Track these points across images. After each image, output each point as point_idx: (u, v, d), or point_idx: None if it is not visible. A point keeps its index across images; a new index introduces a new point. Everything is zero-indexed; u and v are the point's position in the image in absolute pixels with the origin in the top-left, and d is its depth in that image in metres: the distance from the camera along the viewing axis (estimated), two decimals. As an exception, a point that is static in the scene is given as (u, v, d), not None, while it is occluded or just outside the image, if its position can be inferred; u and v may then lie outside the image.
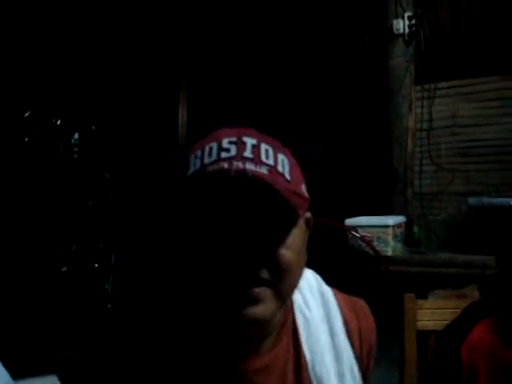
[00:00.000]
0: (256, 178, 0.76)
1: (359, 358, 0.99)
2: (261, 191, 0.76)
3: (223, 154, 0.79)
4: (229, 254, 0.77)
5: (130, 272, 3.68)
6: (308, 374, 0.93)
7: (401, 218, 3.03)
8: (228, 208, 0.78)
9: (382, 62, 3.43)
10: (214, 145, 0.81)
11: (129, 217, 3.90)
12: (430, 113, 3.42)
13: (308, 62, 3.99)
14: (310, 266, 0.97)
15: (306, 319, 0.96)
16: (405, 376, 2.14)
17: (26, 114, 3.51)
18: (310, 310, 0.98)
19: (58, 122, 3.60)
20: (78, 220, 3.62)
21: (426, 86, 3.42)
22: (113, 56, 3.96)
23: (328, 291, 1.02)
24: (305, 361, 0.93)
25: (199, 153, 0.82)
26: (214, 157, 0.79)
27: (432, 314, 2.22)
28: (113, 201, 3.82)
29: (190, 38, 4.27)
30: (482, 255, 2.59)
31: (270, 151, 0.81)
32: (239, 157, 0.78)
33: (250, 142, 0.81)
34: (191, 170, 0.81)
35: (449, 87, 3.43)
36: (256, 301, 0.78)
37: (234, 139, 0.81)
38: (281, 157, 0.82)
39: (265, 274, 0.78)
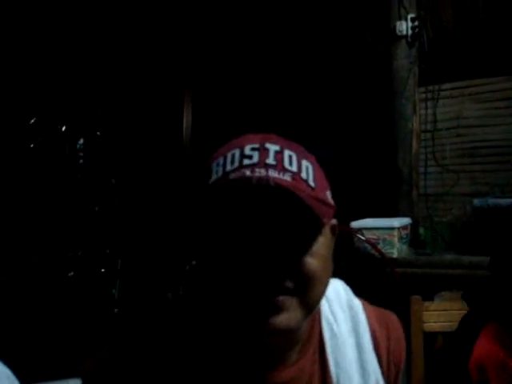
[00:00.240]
0: (278, 186, 0.75)
1: (386, 374, 0.96)
2: (284, 199, 0.75)
3: (245, 161, 0.78)
4: (253, 263, 0.76)
5: (138, 277, 3.69)
6: None
7: (406, 220, 3.03)
8: (251, 216, 0.76)
9: (386, 64, 3.43)
10: (237, 151, 0.80)
11: (135, 222, 3.91)
12: (435, 114, 3.42)
13: (312, 64, 4.00)
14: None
15: (333, 332, 0.94)
16: (412, 377, 2.14)
17: (32, 121, 3.53)
18: (337, 323, 0.95)
19: (64, 128, 3.61)
20: (84, 225, 3.63)
21: (430, 88, 3.42)
22: (118, 61, 3.98)
23: (358, 305, 0.99)
24: (330, 376, 0.91)
25: (221, 160, 0.81)
26: (236, 164, 0.78)
27: (439, 315, 2.22)
28: (119, 206, 3.83)
29: (194, 44, 4.28)
30: (487, 256, 2.58)
31: (294, 157, 0.80)
32: (262, 164, 0.77)
33: (273, 148, 0.80)
34: (213, 177, 0.79)
35: (453, 88, 3.43)
36: (280, 309, 0.76)
37: (256, 146, 0.80)
38: (305, 163, 0.81)
39: (289, 283, 0.77)
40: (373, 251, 2.71)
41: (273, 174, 0.76)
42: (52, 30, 3.60)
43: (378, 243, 2.75)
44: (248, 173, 0.76)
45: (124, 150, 3.98)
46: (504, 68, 3.25)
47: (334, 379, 0.91)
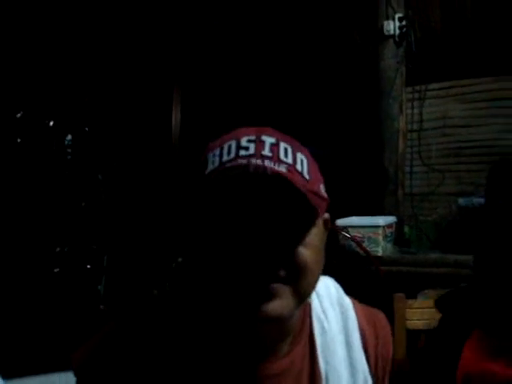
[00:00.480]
0: (275, 175, 0.76)
1: (374, 373, 0.98)
2: (280, 188, 0.77)
3: (242, 152, 0.79)
4: (247, 251, 0.77)
5: (124, 273, 3.68)
6: None
7: (391, 219, 3.04)
8: (247, 205, 0.78)
9: (373, 64, 3.45)
10: (233, 143, 0.82)
11: (121, 218, 3.90)
12: (421, 114, 3.44)
13: (299, 63, 4.00)
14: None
15: (323, 329, 0.95)
16: (395, 374, 2.15)
17: (19, 115, 3.51)
18: (328, 320, 0.96)
19: (51, 123, 3.60)
20: (70, 221, 3.61)
21: (417, 88, 3.44)
22: (106, 57, 3.96)
23: (348, 303, 1.00)
24: (319, 371, 0.92)
25: (218, 151, 0.82)
26: (233, 155, 0.80)
27: (422, 313, 2.24)
28: (105, 202, 3.82)
29: (183, 40, 4.28)
30: (472, 255, 2.60)
31: (289, 150, 0.82)
32: (258, 155, 0.79)
33: (268, 140, 0.82)
34: (209, 167, 0.81)
35: (439, 88, 3.45)
36: (273, 296, 0.78)
37: (252, 137, 0.82)
38: (300, 156, 0.82)
39: (283, 272, 0.78)
40: (358, 249, 2.72)
41: (269, 164, 0.77)
42: (40, 24, 3.58)
43: (363, 241, 2.77)
44: (244, 163, 0.77)
45: (112, 146, 3.97)
46: (490, 69, 3.27)
47: (323, 375, 0.92)
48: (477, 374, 1.44)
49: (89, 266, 3.62)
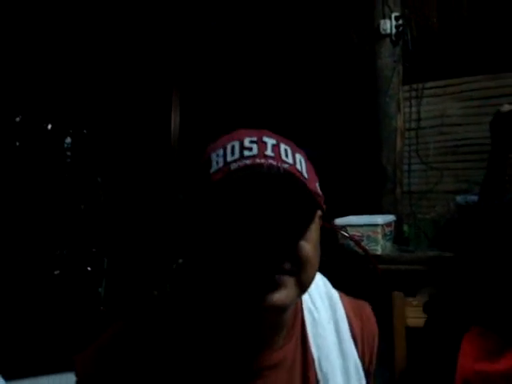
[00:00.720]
0: (288, 173, 0.81)
1: (362, 360, 1.02)
2: (288, 186, 0.80)
3: (246, 153, 0.83)
4: (254, 245, 0.80)
5: (124, 275, 3.69)
6: (315, 370, 0.96)
7: (390, 217, 3.05)
8: (257, 202, 0.80)
9: (370, 63, 3.46)
10: (236, 143, 0.85)
11: (121, 220, 3.90)
12: (418, 112, 3.44)
13: (296, 63, 4.01)
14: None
15: (314, 320, 1.00)
16: (395, 371, 2.16)
17: (18, 119, 3.52)
18: (318, 310, 1.01)
19: (50, 127, 3.61)
20: (70, 224, 3.62)
21: (414, 86, 3.44)
22: (105, 60, 3.97)
23: (335, 295, 1.06)
24: (312, 358, 0.97)
25: (221, 151, 0.85)
26: (237, 155, 0.83)
27: (420, 311, 2.25)
28: (105, 204, 3.83)
29: (182, 43, 4.28)
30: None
31: (289, 150, 0.86)
32: (262, 155, 0.82)
33: (270, 141, 0.85)
34: (214, 167, 0.84)
35: (437, 87, 3.45)
36: (279, 286, 0.81)
37: (254, 139, 0.85)
38: (298, 156, 0.87)
39: (287, 265, 0.82)
40: (356, 248, 2.73)
41: (275, 164, 0.82)
42: (38, 28, 3.59)
43: (362, 240, 2.77)
44: (249, 163, 0.81)
45: (111, 148, 3.98)
46: (487, 67, 3.28)
47: (316, 362, 0.97)
48: (477, 377, 1.45)
49: (89, 268, 3.62)
